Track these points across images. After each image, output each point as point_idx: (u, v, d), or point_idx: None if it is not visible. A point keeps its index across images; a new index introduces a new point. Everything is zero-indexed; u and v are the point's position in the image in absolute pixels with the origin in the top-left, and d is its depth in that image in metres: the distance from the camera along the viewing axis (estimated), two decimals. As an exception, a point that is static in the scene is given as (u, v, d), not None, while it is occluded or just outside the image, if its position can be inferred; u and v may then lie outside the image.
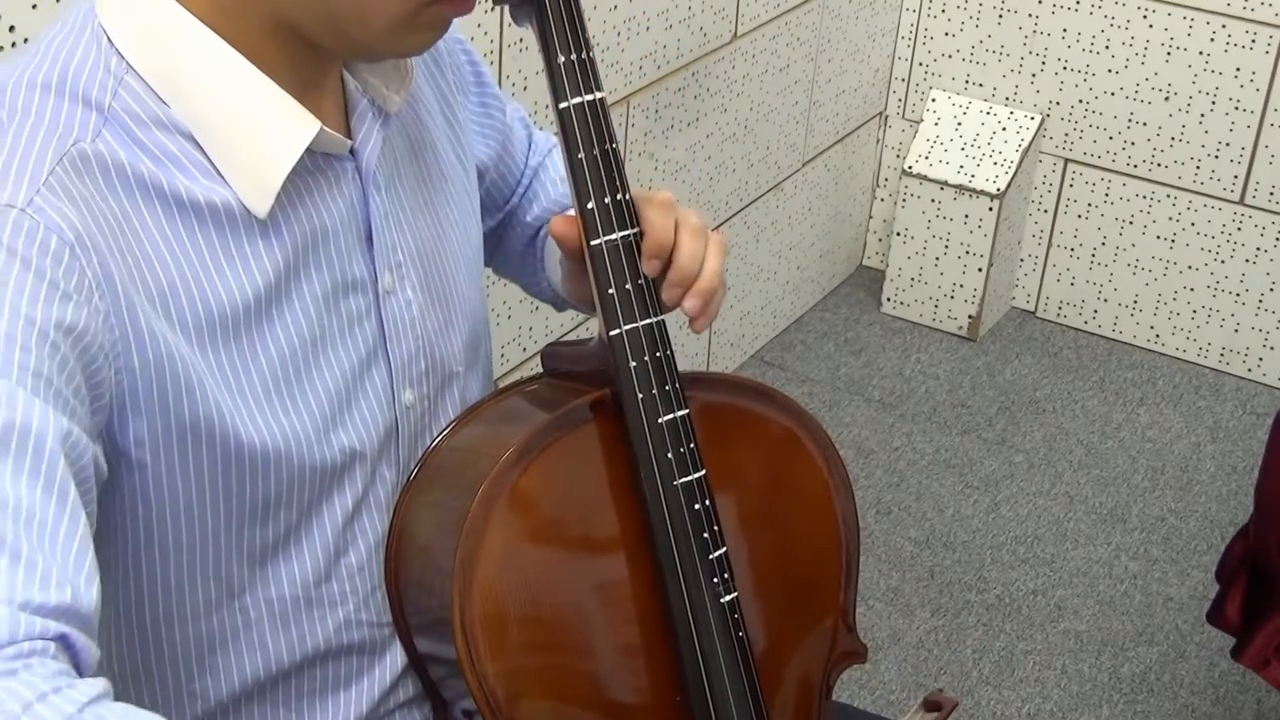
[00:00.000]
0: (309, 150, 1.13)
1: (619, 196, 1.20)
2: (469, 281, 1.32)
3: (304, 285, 1.16)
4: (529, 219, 1.50)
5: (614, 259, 1.20)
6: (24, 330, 0.97)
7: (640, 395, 1.20)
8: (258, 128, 1.10)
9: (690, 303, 1.23)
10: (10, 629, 0.89)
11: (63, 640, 0.92)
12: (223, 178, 1.10)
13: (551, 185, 1.50)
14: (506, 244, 1.52)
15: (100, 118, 1.07)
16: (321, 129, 1.12)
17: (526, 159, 1.50)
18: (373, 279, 1.21)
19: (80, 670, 0.93)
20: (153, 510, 1.11)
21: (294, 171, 1.12)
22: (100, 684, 0.91)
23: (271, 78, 1.11)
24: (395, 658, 1.28)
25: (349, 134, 1.19)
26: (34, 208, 1.00)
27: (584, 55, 1.18)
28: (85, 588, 0.95)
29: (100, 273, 1.03)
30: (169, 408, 1.08)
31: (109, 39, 1.09)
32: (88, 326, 1.01)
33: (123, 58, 1.09)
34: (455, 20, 1.14)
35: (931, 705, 1.37)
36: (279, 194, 1.12)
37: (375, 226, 1.20)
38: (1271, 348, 3.46)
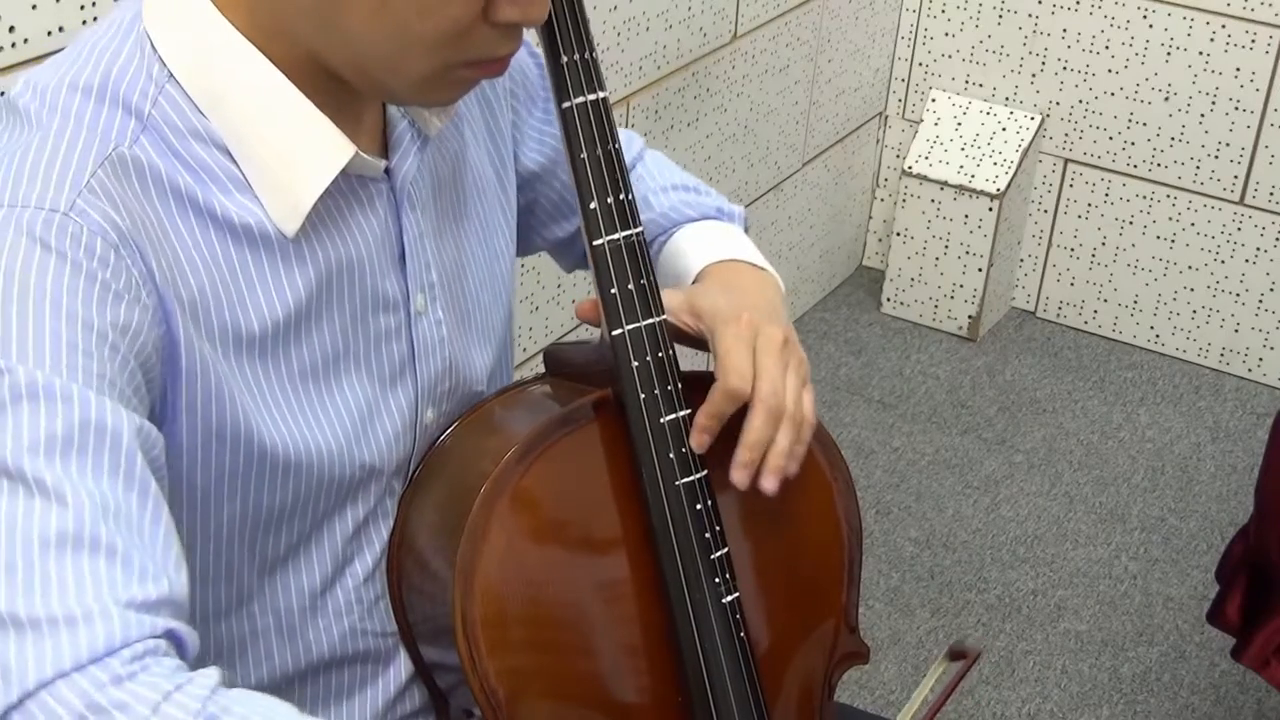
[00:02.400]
0: (343, 172, 1.12)
1: (621, 196, 1.19)
2: (494, 303, 1.31)
3: (333, 306, 1.15)
4: None
5: (616, 259, 1.19)
6: (84, 334, 0.99)
7: (642, 395, 1.19)
8: (292, 148, 1.10)
9: (738, 473, 1.21)
10: (123, 631, 0.92)
11: (170, 635, 0.95)
12: (254, 193, 1.10)
13: (658, 195, 1.44)
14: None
15: (139, 125, 1.07)
16: (356, 154, 1.12)
17: None
18: (405, 299, 1.21)
19: (184, 656, 0.96)
20: (168, 503, 1.11)
21: (327, 193, 1.12)
22: (215, 673, 0.94)
23: (310, 98, 1.10)
24: (401, 668, 1.28)
25: (386, 153, 1.18)
26: (77, 210, 1.01)
27: (587, 55, 1.18)
28: (177, 575, 0.97)
29: (145, 270, 1.03)
30: (196, 408, 1.08)
31: (153, 45, 1.09)
32: (140, 324, 1.02)
33: (165, 65, 1.08)
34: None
35: (956, 654, 1.37)
36: (311, 214, 1.12)
37: (409, 247, 1.20)
38: (1271, 348, 3.46)
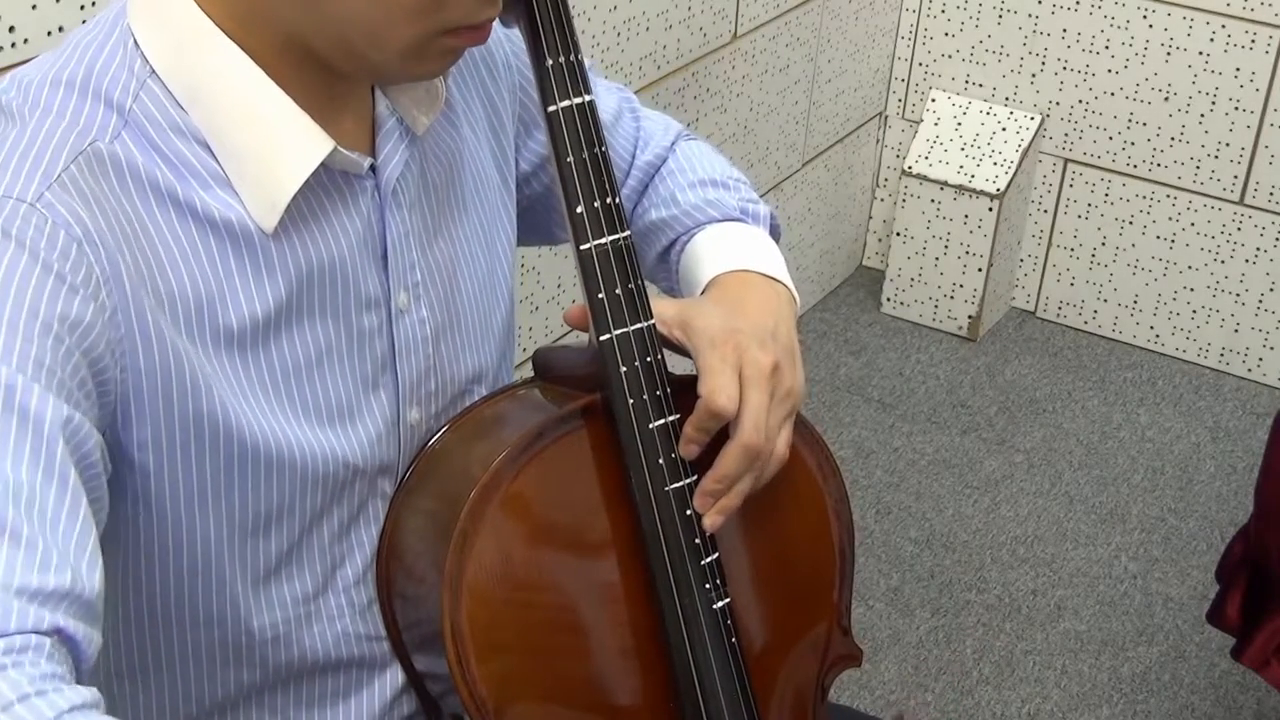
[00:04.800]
0: (325, 167, 1.12)
1: (608, 200, 1.19)
2: (493, 304, 1.31)
3: (313, 303, 1.15)
4: (653, 218, 1.42)
5: (604, 263, 1.19)
6: (27, 321, 0.98)
7: (631, 400, 1.19)
8: (270, 144, 1.10)
9: (700, 500, 1.21)
10: (3, 619, 0.89)
11: (59, 634, 0.92)
12: (233, 189, 1.10)
13: (684, 191, 1.41)
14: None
15: (120, 119, 1.07)
16: (335, 149, 1.12)
17: (633, 155, 1.44)
18: (386, 298, 1.20)
19: (78, 659, 0.93)
20: (154, 516, 1.10)
21: (308, 188, 1.12)
22: (88, 693, 0.91)
23: (289, 93, 1.10)
24: (394, 675, 1.28)
25: (374, 151, 1.18)
26: (44, 203, 1.01)
27: (573, 58, 1.18)
28: (87, 572, 0.95)
29: (109, 269, 1.03)
30: (174, 408, 1.07)
31: (135, 41, 1.09)
32: (93, 322, 1.01)
33: (147, 61, 1.09)
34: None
35: None
36: (291, 209, 1.11)
37: (391, 246, 1.20)
38: (1271, 348, 3.46)
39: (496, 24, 1.24)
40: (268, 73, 1.10)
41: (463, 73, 1.28)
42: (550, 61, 1.17)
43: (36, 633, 0.90)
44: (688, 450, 1.20)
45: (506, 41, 1.33)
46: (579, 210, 1.18)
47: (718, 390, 1.19)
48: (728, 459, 1.20)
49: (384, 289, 1.20)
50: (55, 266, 1.00)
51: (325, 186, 1.14)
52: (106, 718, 0.91)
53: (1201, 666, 2.71)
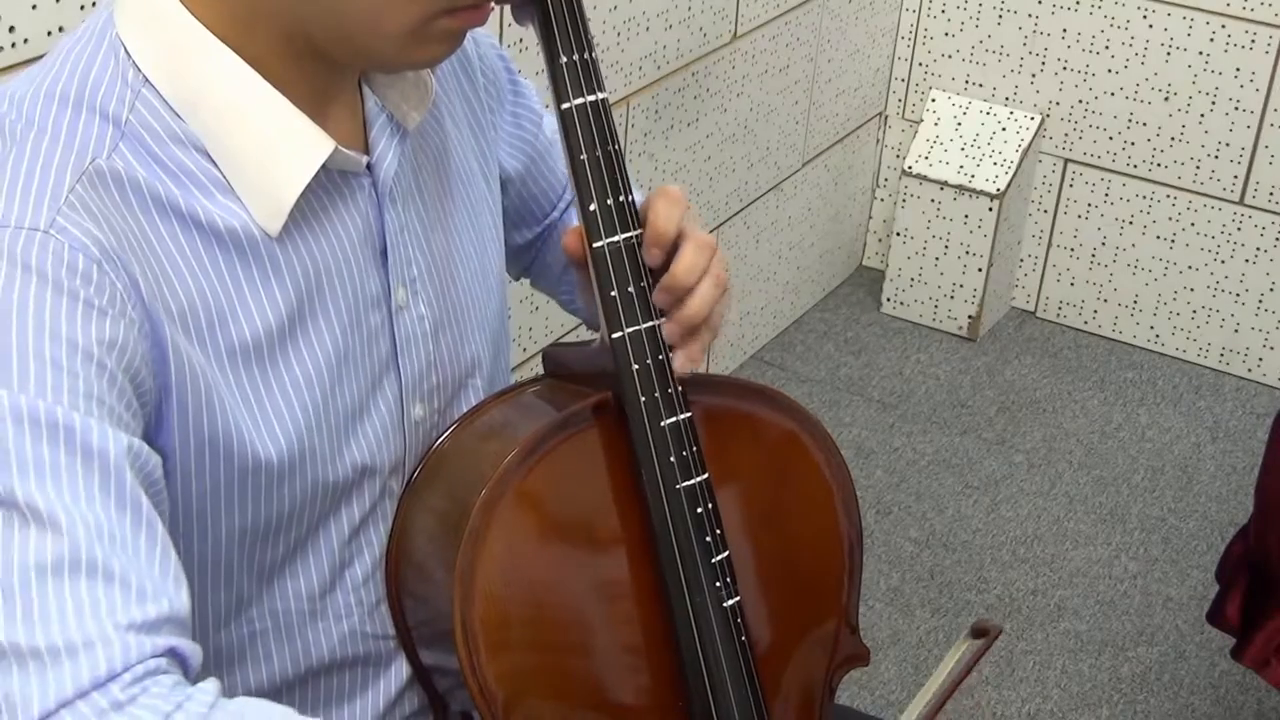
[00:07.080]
0: (324, 168, 1.12)
1: (621, 198, 1.19)
2: (486, 295, 1.31)
3: (322, 307, 1.15)
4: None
5: (616, 261, 1.19)
6: (68, 354, 0.98)
7: (643, 398, 1.19)
8: (270, 147, 1.09)
9: (670, 328, 1.21)
10: (124, 654, 0.93)
11: (170, 652, 0.96)
12: (236, 194, 1.10)
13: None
14: (545, 258, 1.49)
15: (117, 132, 1.06)
16: (336, 148, 1.11)
17: None
18: (386, 294, 1.20)
19: (187, 669, 0.98)
20: (166, 519, 1.10)
21: (309, 189, 1.12)
22: (213, 686, 0.96)
23: (286, 95, 1.10)
24: (400, 671, 1.28)
25: (366, 148, 1.18)
26: (57, 228, 1.00)
27: (586, 55, 1.18)
28: (176, 592, 0.98)
29: (129, 284, 1.03)
30: (189, 421, 1.07)
31: (126, 51, 1.08)
32: (126, 339, 1.02)
33: (139, 70, 1.08)
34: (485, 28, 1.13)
35: (978, 632, 1.38)
36: (294, 212, 1.11)
37: (390, 242, 1.19)
38: (1271, 348, 3.46)
39: (476, 36, 1.24)
40: (263, 75, 1.09)
41: (440, 68, 1.28)
42: (564, 59, 1.17)
43: (154, 657, 0.95)
44: (651, 255, 1.20)
45: (480, 62, 1.33)
46: (592, 208, 1.18)
47: (663, 217, 1.20)
48: (686, 250, 1.20)
49: (384, 286, 1.20)
50: (81, 292, 1.00)
51: (325, 187, 1.14)
52: (239, 700, 0.97)
53: (1201, 666, 2.71)
